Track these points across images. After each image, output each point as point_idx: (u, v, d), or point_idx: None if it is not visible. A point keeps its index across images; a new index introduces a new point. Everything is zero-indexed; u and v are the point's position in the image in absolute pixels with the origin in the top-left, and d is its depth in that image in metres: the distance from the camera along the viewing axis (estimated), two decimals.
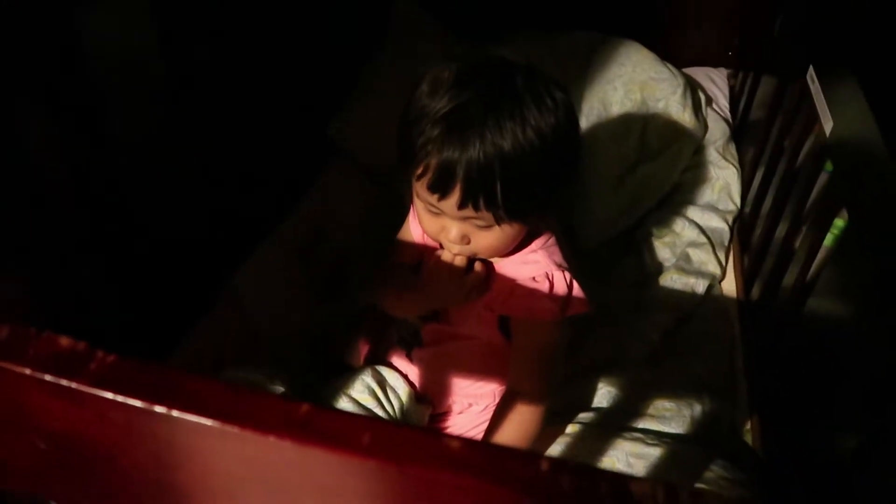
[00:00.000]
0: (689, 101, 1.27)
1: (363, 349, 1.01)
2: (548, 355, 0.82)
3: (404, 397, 0.89)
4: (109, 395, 0.31)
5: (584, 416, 0.92)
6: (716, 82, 1.44)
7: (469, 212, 0.71)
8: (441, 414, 0.94)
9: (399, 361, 0.94)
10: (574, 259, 0.84)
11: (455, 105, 0.68)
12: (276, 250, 1.10)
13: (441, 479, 0.30)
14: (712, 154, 1.29)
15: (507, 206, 0.70)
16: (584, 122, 1.26)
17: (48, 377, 0.32)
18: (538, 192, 0.72)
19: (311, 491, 0.33)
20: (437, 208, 0.73)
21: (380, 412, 0.86)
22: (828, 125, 0.87)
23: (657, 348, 1.03)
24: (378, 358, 0.97)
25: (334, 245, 1.16)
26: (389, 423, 0.32)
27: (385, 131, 0.80)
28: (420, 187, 0.72)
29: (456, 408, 0.93)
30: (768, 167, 1.11)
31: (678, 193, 1.26)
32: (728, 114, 1.39)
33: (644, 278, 1.16)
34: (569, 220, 1.20)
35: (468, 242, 0.75)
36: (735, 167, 1.28)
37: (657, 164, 1.24)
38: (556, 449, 0.87)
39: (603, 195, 1.21)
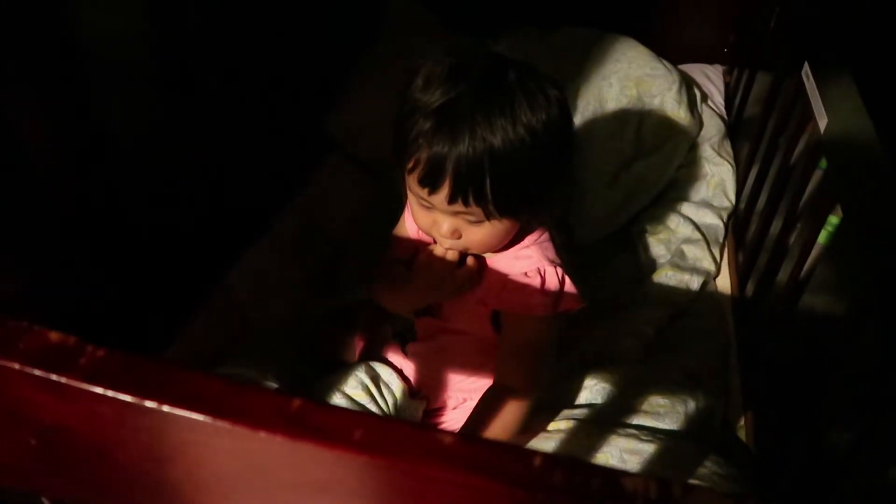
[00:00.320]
0: (685, 98, 1.27)
1: (358, 345, 1.01)
2: (536, 350, 0.82)
3: (398, 393, 0.89)
4: (100, 390, 0.31)
5: (578, 411, 0.92)
6: (711, 79, 1.44)
7: (459, 206, 0.71)
8: (436, 409, 0.94)
9: (394, 357, 0.94)
10: (569, 255, 0.84)
11: (446, 100, 0.69)
12: (271, 244, 1.10)
13: (433, 474, 0.30)
14: (707, 151, 1.29)
15: (497, 201, 0.70)
16: (580, 119, 1.26)
17: (38, 372, 0.32)
18: (529, 189, 0.72)
19: (303, 486, 0.33)
20: (429, 202, 0.73)
21: (373, 408, 0.86)
22: (822, 122, 0.87)
23: (651, 344, 1.03)
24: (373, 353, 0.97)
25: (329, 240, 1.16)
26: (382, 419, 0.32)
27: (381, 125, 0.80)
28: (412, 181, 0.73)
29: (451, 403, 0.93)
30: (763, 164, 1.11)
31: (673, 190, 1.26)
32: (723, 110, 1.39)
33: (639, 275, 1.16)
34: (564, 216, 1.20)
35: (459, 237, 0.75)
36: (730, 164, 1.28)
37: (652, 161, 1.24)
38: (549, 445, 0.87)
39: (598, 191, 1.21)
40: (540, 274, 0.78)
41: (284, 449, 0.31)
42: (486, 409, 0.82)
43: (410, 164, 0.71)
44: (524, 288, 0.79)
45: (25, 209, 0.74)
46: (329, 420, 0.31)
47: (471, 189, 0.69)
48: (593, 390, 0.94)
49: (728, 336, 1.08)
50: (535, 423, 0.88)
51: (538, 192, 0.73)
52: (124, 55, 0.84)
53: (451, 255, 0.79)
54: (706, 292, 1.13)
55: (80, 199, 0.81)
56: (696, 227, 1.19)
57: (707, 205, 1.24)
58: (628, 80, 1.27)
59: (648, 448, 0.84)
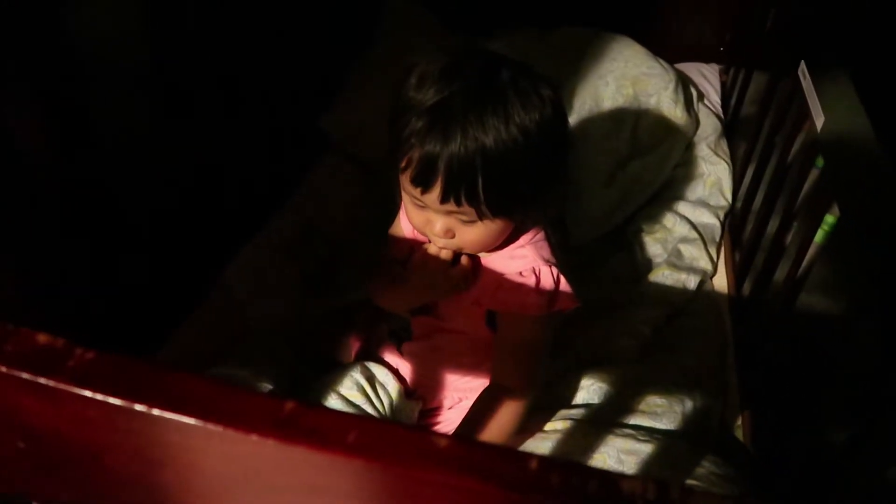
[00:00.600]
0: (681, 97, 1.27)
1: (354, 345, 1.00)
2: (532, 350, 0.82)
3: (394, 393, 0.89)
4: (89, 394, 0.31)
5: (575, 412, 0.91)
6: (708, 78, 1.44)
7: (451, 206, 0.71)
8: (432, 409, 0.94)
9: (390, 357, 0.94)
10: (564, 254, 0.83)
11: (439, 99, 0.68)
12: (267, 244, 1.09)
13: (428, 477, 0.30)
14: (704, 150, 1.29)
15: (489, 201, 0.70)
16: (576, 118, 1.25)
17: (25, 375, 0.31)
18: (521, 189, 0.72)
19: (296, 490, 0.33)
20: (422, 202, 0.72)
21: (369, 409, 0.86)
22: (819, 120, 0.86)
23: (648, 344, 1.03)
24: (369, 353, 0.96)
25: (325, 239, 1.16)
26: (376, 421, 0.31)
27: (377, 124, 0.79)
28: (405, 180, 0.72)
29: (447, 403, 0.93)
30: (760, 163, 1.11)
31: (669, 189, 1.26)
32: (720, 109, 1.39)
33: (635, 274, 1.16)
34: (560, 216, 1.20)
35: (453, 236, 0.75)
36: (726, 163, 1.28)
37: (649, 160, 1.24)
38: (546, 445, 0.87)
39: (594, 191, 1.21)
40: (535, 273, 0.78)
41: (277, 452, 0.31)
42: (482, 408, 0.82)
43: (403, 163, 0.71)
44: (519, 287, 0.78)
45: (21, 210, 0.74)
46: (322, 422, 0.30)
47: (463, 189, 0.69)
48: (590, 390, 0.94)
49: (725, 335, 1.07)
50: (531, 422, 0.88)
51: (531, 192, 0.73)
52: (122, 55, 0.84)
53: (445, 255, 0.79)
54: (703, 292, 1.13)
55: (77, 198, 0.80)
56: (693, 226, 1.19)
57: (703, 204, 1.24)
58: (625, 79, 1.27)
59: (645, 448, 0.84)
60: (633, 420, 0.90)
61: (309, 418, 0.30)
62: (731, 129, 1.35)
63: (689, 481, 0.80)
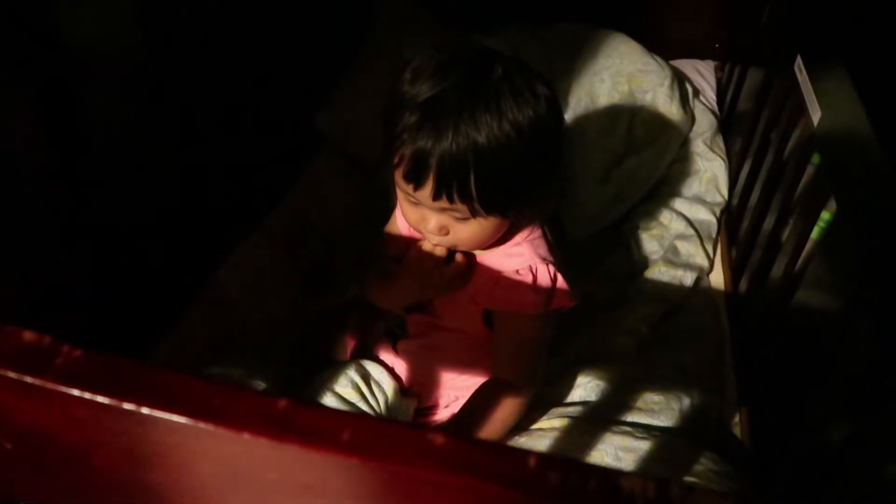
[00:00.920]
0: (677, 93, 1.27)
1: (349, 343, 1.00)
2: (530, 348, 0.82)
3: (389, 392, 0.88)
4: (76, 392, 0.30)
5: (572, 409, 0.91)
6: (703, 74, 1.44)
7: (444, 203, 0.70)
8: (428, 408, 0.93)
9: (386, 355, 0.94)
10: (561, 252, 0.83)
11: (432, 94, 0.68)
12: (262, 242, 1.09)
13: (425, 476, 0.29)
14: (699, 146, 1.29)
15: (482, 198, 0.69)
16: (572, 115, 1.25)
17: (11, 374, 0.30)
18: (515, 186, 0.71)
19: (290, 489, 0.32)
20: (415, 198, 0.72)
21: (364, 407, 0.85)
22: (815, 116, 0.86)
23: (645, 341, 1.03)
24: (365, 351, 0.96)
25: (321, 237, 1.15)
26: (370, 419, 0.31)
27: (373, 121, 0.79)
28: (398, 176, 0.72)
29: (442, 401, 0.92)
30: (756, 159, 1.11)
31: (665, 186, 1.26)
32: (715, 106, 1.38)
33: (632, 271, 1.15)
34: (556, 213, 1.19)
35: (447, 234, 0.75)
36: (722, 159, 1.28)
37: (644, 157, 1.24)
38: (543, 443, 0.86)
39: (590, 187, 1.21)
40: (532, 271, 0.78)
41: (270, 451, 0.30)
42: (481, 402, 0.82)
43: (396, 159, 0.71)
44: (516, 286, 0.78)
45: (16, 210, 0.73)
46: (316, 421, 0.30)
47: (454, 186, 0.68)
48: (587, 388, 0.93)
49: (722, 332, 1.07)
50: (527, 420, 0.88)
51: (525, 189, 0.72)
52: (117, 56, 0.83)
53: (440, 252, 0.78)
54: (700, 288, 1.12)
55: (70, 199, 0.79)
56: (689, 222, 1.19)
57: (700, 200, 1.24)
58: (620, 75, 1.27)
59: (643, 445, 0.83)
60: (631, 417, 0.89)
61: (302, 416, 0.30)
62: (727, 125, 1.35)
63: (687, 478, 0.79)
